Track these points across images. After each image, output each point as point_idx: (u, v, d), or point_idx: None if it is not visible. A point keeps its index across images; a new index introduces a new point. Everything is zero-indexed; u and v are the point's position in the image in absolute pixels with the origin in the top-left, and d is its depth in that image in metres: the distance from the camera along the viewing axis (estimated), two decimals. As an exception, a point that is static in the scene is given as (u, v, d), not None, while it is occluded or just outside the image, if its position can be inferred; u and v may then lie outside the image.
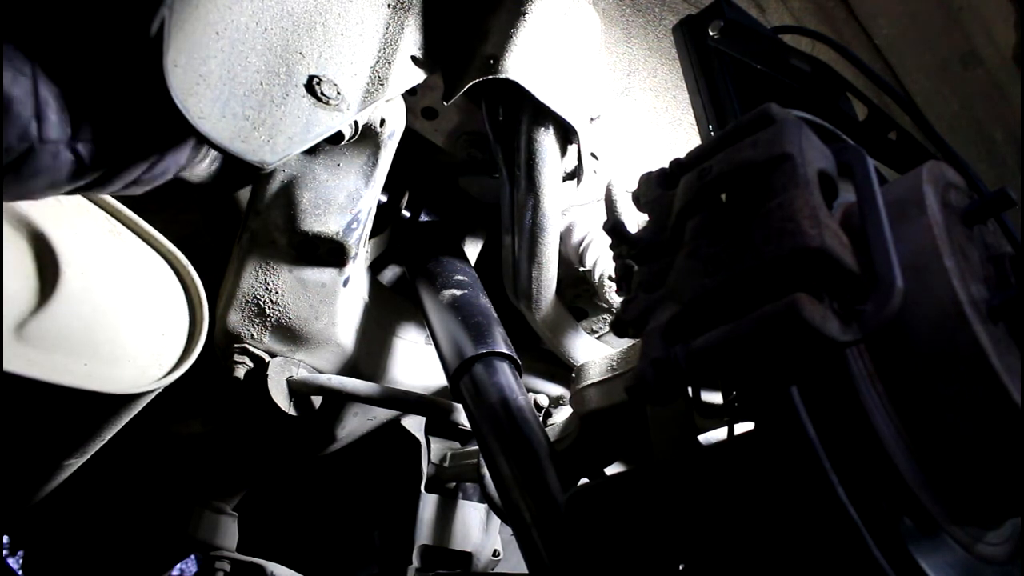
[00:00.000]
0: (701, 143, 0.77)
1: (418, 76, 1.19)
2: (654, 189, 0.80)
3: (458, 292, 1.34)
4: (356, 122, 1.12)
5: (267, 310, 1.29)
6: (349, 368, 1.43)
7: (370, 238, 1.41)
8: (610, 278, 1.39)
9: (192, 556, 1.90)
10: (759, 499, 0.69)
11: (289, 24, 1.05)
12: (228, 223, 1.33)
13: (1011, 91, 1.53)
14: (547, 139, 1.24)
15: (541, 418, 1.41)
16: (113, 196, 1.07)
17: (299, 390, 1.34)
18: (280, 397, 1.31)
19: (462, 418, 1.35)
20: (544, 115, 1.23)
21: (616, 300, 1.42)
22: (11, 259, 1.01)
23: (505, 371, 1.17)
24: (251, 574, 1.41)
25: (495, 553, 1.57)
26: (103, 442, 1.15)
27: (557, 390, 1.68)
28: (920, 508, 0.65)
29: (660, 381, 0.65)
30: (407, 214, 1.56)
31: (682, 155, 0.78)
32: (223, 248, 1.31)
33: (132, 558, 1.52)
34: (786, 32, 1.21)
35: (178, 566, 2.03)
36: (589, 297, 1.58)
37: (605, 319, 1.65)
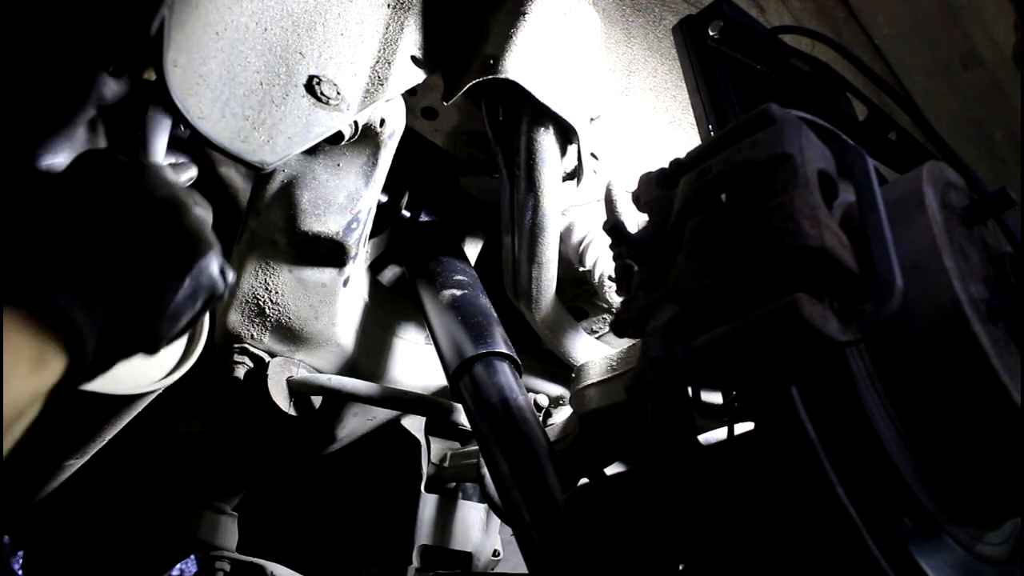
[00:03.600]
0: (701, 143, 0.77)
1: (418, 76, 1.19)
2: (654, 189, 0.80)
3: (458, 292, 1.34)
4: (356, 122, 1.12)
5: (267, 310, 1.29)
6: (349, 368, 1.43)
7: (370, 238, 1.41)
8: (610, 278, 1.39)
9: (192, 556, 1.90)
10: (759, 499, 0.69)
11: (289, 24, 1.05)
12: (228, 223, 1.33)
13: (1011, 91, 1.53)
14: (547, 139, 1.24)
15: (541, 418, 1.41)
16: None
17: (299, 390, 1.34)
18: (280, 397, 1.31)
19: (462, 418, 1.35)
20: (544, 115, 1.23)
21: (616, 300, 1.42)
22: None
23: (505, 371, 1.17)
24: (251, 574, 1.41)
25: (495, 553, 1.57)
26: (103, 442, 1.15)
27: (557, 390, 1.68)
28: (920, 508, 0.65)
29: (660, 381, 0.65)
30: (407, 214, 1.56)
31: (682, 155, 0.78)
32: (223, 248, 1.31)
33: (132, 558, 1.52)
34: (786, 32, 1.21)
35: (178, 566, 2.03)
36: (589, 297, 1.58)
37: (605, 319, 1.64)
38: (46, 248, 0.66)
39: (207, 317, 1.18)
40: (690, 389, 0.78)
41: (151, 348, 0.75)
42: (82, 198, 0.72)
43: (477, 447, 1.34)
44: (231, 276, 0.83)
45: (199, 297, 0.78)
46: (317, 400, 1.38)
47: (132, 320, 0.70)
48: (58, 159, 0.81)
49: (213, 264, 0.79)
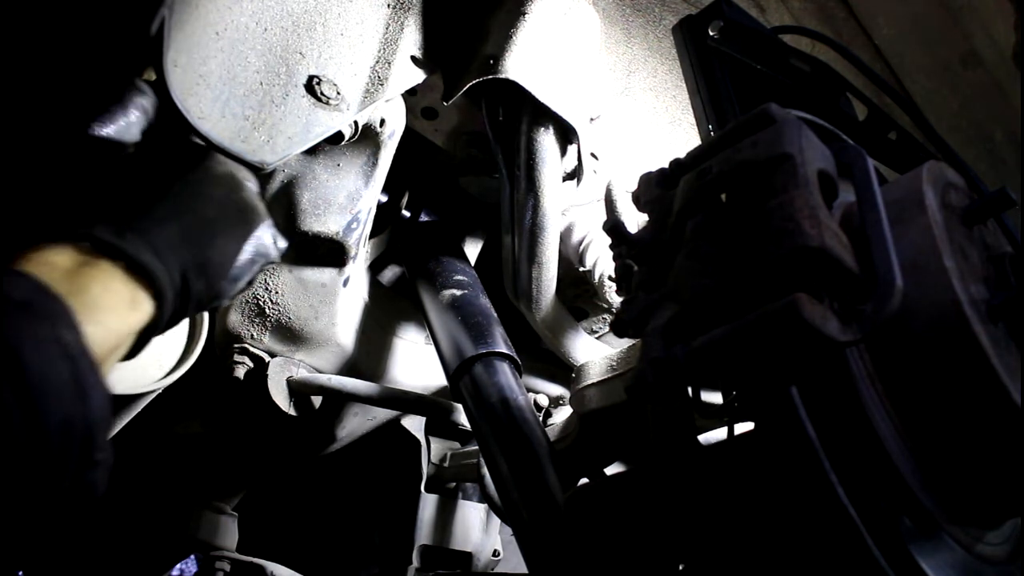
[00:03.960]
0: (701, 143, 0.77)
1: (418, 76, 1.19)
2: (654, 189, 0.80)
3: (458, 292, 1.34)
4: (356, 122, 1.12)
5: (267, 310, 1.29)
6: (349, 368, 1.43)
7: (370, 238, 1.41)
8: (610, 278, 1.39)
9: (192, 556, 1.90)
10: (759, 499, 0.69)
11: (289, 24, 1.05)
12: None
13: (1011, 91, 1.53)
14: (547, 139, 1.24)
15: (541, 418, 1.41)
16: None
17: (299, 390, 1.34)
18: (280, 397, 1.31)
19: (462, 418, 1.35)
20: (544, 115, 1.23)
21: (616, 300, 1.42)
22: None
23: (505, 371, 1.17)
24: (251, 574, 1.41)
25: (495, 553, 1.57)
26: (103, 442, 1.14)
27: (557, 390, 1.68)
28: (920, 508, 0.65)
29: (660, 381, 0.65)
30: (407, 214, 1.56)
31: (682, 155, 0.78)
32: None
33: (132, 558, 1.52)
34: (786, 32, 1.21)
35: (178, 566, 2.03)
36: (589, 297, 1.58)
37: (605, 319, 1.64)
38: (137, 213, 0.79)
39: (207, 318, 1.19)
40: (690, 389, 0.77)
41: (214, 306, 0.91)
42: (160, 174, 0.85)
43: (477, 447, 1.34)
44: (283, 243, 0.95)
45: (256, 262, 0.90)
46: (317, 400, 1.38)
47: (200, 281, 0.82)
48: (107, 129, 0.89)
49: (268, 233, 0.91)
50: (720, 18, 1.02)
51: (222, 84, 0.97)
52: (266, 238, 0.91)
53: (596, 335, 1.65)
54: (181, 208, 0.82)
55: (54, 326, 0.60)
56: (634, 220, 1.07)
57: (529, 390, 1.55)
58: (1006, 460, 0.66)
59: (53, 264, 0.68)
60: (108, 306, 0.70)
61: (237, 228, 0.88)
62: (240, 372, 1.30)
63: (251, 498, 1.62)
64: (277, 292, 1.28)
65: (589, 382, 1.09)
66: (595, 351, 1.30)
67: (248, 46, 1.00)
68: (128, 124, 0.89)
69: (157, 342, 1.11)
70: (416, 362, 1.53)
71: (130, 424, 1.14)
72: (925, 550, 0.64)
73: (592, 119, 1.37)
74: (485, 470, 1.18)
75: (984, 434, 0.66)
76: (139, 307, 0.75)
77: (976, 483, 0.68)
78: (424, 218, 1.59)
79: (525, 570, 1.00)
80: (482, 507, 1.56)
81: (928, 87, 1.63)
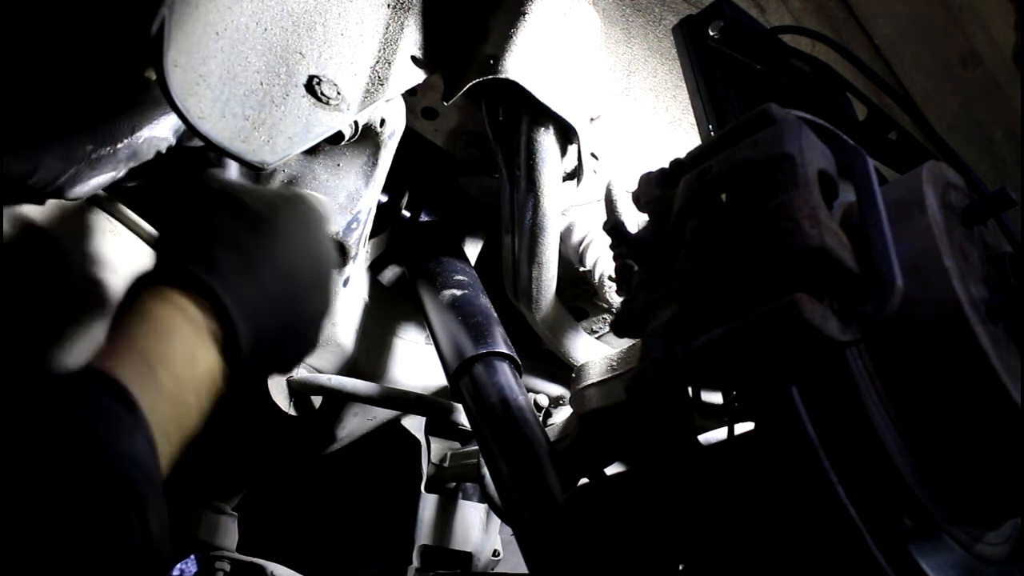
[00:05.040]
0: (701, 143, 0.77)
1: (418, 76, 1.19)
2: (654, 189, 0.80)
3: (458, 292, 1.34)
4: (356, 122, 1.12)
5: (267, 310, 1.29)
6: (349, 368, 1.43)
7: (370, 238, 1.41)
8: (610, 278, 1.39)
9: (192, 556, 1.90)
10: (759, 499, 0.69)
11: (289, 24, 1.05)
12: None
13: (1011, 91, 1.53)
14: (547, 139, 1.24)
15: (541, 418, 1.41)
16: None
17: (299, 390, 1.34)
18: (280, 397, 1.31)
19: (462, 418, 1.35)
20: (544, 115, 1.23)
21: (616, 300, 1.41)
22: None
23: (505, 371, 1.17)
24: (251, 574, 1.41)
25: (495, 553, 1.57)
26: (103, 442, 1.14)
27: (557, 390, 1.68)
28: (920, 508, 0.65)
29: (659, 381, 0.65)
30: (407, 214, 1.56)
31: (682, 155, 0.78)
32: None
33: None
34: (786, 32, 1.21)
35: (178, 566, 2.03)
36: (589, 297, 1.58)
37: (605, 319, 1.64)
38: (243, 269, 0.79)
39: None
40: (690, 389, 0.77)
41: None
42: (264, 232, 0.84)
43: (477, 447, 1.34)
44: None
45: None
46: (317, 400, 1.38)
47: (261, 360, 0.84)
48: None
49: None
50: (720, 18, 1.02)
51: (222, 84, 0.96)
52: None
53: (596, 335, 1.65)
54: (289, 294, 0.85)
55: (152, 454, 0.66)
56: (634, 220, 1.07)
57: (529, 390, 1.55)
58: (1006, 460, 0.66)
59: (172, 338, 0.73)
60: (199, 391, 0.78)
61: (319, 324, 0.93)
62: (240, 372, 1.30)
63: (251, 498, 1.62)
64: (277, 292, 1.28)
65: (589, 382, 1.09)
66: (595, 351, 1.30)
67: (248, 46, 1.00)
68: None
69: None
70: (416, 362, 1.53)
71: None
72: (925, 550, 0.64)
73: (592, 119, 1.37)
74: (485, 470, 1.18)
75: (984, 434, 0.66)
76: (216, 385, 0.81)
77: (976, 483, 0.68)
78: (424, 218, 1.59)
79: (525, 570, 1.01)
80: (482, 507, 1.56)
81: (928, 87, 1.63)
